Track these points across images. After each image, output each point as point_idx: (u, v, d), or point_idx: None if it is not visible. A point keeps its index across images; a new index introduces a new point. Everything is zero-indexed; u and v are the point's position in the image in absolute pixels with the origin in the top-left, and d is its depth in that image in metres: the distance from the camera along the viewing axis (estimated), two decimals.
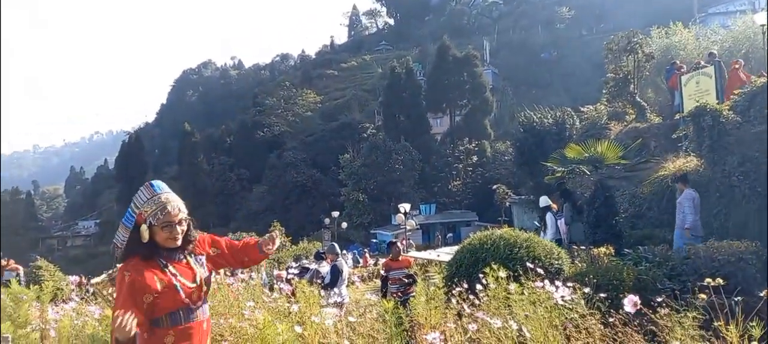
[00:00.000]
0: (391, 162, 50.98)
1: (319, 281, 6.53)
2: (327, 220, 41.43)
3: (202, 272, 2.38)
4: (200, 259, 2.44)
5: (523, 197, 28.48)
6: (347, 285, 7.65)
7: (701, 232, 8.22)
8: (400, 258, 8.10)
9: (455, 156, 55.13)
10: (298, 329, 2.63)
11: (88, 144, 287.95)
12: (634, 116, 17.43)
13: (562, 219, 9.86)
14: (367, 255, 30.55)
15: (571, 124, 22.93)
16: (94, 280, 2.62)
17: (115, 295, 2.28)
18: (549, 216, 10.02)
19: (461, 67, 56.87)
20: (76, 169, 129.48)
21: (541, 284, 3.28)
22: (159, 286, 2.23)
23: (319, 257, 7.88)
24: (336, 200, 53.52)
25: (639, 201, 11.13)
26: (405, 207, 28.83)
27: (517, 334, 2.48)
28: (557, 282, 3.40)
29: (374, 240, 46.86)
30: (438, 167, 55.20)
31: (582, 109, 23.35)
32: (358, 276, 6.29)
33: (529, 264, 4.25)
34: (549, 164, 10.57)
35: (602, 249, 7.54)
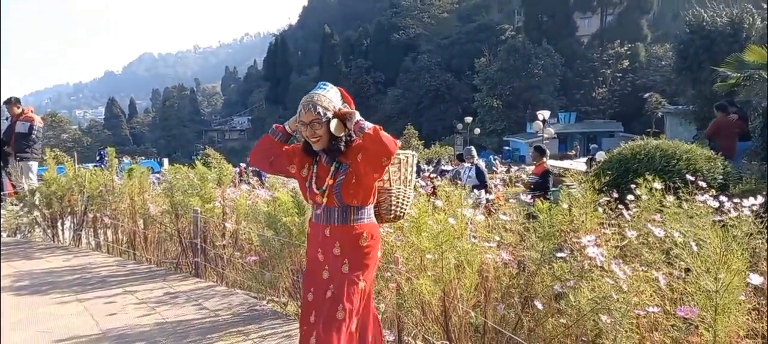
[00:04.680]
0: (530, 66, 48.48)
1: (458, 181, 6.73)
2: (459, 126, 41.32)
3: (331, 181, 2.32)
4: (342, 168, 2.34)
5: (680, 107, 25.74)
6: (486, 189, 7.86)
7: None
8: (536, 164, 8.27)
9: (603, 60, 50.77)
10: (452, 221, 2.78)
11: (240, 45, 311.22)
12: None
13: None
14: (497, 162, 30.20)
15: (751, 23, 19.76)
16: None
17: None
18: None
19: None
20: (230, 68, 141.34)
21: (702, 197, 3.06)
22: (304, 173, 2.41)
23: (461, 158, 8.19)
24: (469, 106, 52.89)
25: None
26: (544, 114, 27.65)
27: (683, 245, 2.38)
28: (722, 198, 3.14)
29: (507, 148, 46.05)
30: (582, 73, 51.46)
31: (765, 6, 19.91)
32: (499, 179, 6.38)
33: (689, 177, 3.96)
34: (722, 69, 9.32)
35: None
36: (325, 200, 2.34)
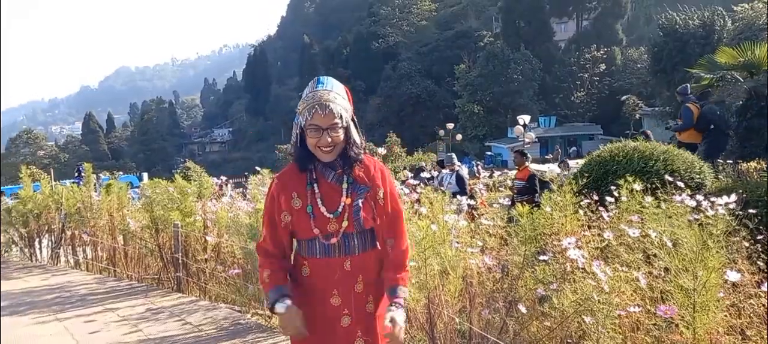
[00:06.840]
0: (509, 72, 48.98)
1: (441, 188, 6.76)
2: (441, 132, 41.44)
3: (349, 201, 1.82)
4: (360, 189, 1.84)
5: (656, 108, 26.26)
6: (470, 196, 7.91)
7: None
8: (520, 169, 8.28)
9: (580, 64, 51.54)
10: (434, 228, 2.79)
11: (219, 57, 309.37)
12: None
13: None
14: (480, 167, 30.37)
15: (722, 25, 20.30)
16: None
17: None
18: None
19: None
20: (209, 80, 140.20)
21: (680, 197, 3.12)
22: (296, 204, 1.81)
23: (442, 164, 8.26)
24: (450, 112, 53.15)
25: None
26: (524, 118, 27.93)
27: (660, 245, 2.42)
28: (699, 197, 3.21)
29: (489, 153, 46.38)
30: (560, 77, 52.15)
31: (735, 9, 20.50)
32: (482, 185, 6.46)
33: (667, 178, 4.03)
34: (695, 70, 9.55)
35: (752, 164, 6.85)
36: (344, 224, 1.81)
